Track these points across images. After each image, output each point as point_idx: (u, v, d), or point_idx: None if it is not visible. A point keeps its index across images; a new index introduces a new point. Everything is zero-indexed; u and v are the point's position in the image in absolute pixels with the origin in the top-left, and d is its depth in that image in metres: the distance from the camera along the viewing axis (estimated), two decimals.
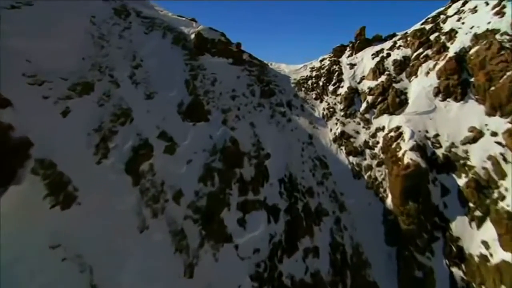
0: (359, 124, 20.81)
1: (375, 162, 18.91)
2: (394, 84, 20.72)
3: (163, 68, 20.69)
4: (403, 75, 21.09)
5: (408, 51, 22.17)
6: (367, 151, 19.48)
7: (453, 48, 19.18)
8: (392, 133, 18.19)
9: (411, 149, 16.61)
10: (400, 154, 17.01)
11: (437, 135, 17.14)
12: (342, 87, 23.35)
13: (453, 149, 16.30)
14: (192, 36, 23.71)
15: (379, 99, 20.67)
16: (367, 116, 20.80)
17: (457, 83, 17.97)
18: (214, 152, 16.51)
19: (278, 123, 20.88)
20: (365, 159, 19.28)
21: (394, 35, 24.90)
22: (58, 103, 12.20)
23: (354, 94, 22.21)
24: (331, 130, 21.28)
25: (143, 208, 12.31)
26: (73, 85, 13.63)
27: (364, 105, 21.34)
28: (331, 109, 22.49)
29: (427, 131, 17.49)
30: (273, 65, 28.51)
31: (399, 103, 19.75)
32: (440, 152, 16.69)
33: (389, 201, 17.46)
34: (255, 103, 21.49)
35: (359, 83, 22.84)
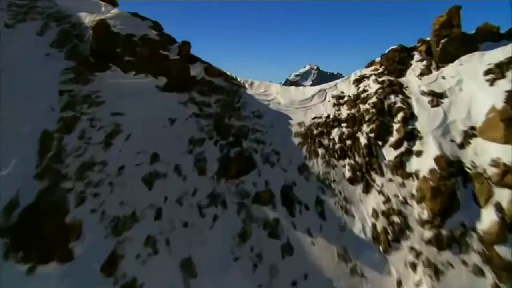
0: (480, 272, 7.49)
1: None
2: None
3: (9, 104, 9.75)
4: None
5: None
6: None
7: None
8: None
9: None
10: None
11: None
12: (419, 154, 9.80)
13: None
14: None
15: None
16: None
17: None
18: None
19: (259, 260, 8.33)
20: None
21: None
22: None
23: (455, 178, 8.76)
24: (400, 284, 8.07)
25: None
26: None
27: (490, 214, 7.94)
28: (395, 218, 9.08)
29: None
30: (254, 86, 14.37)
31: None
32: None
33: None
34: (204, 202, 9.26)
35: (462, 146, 9.31)
